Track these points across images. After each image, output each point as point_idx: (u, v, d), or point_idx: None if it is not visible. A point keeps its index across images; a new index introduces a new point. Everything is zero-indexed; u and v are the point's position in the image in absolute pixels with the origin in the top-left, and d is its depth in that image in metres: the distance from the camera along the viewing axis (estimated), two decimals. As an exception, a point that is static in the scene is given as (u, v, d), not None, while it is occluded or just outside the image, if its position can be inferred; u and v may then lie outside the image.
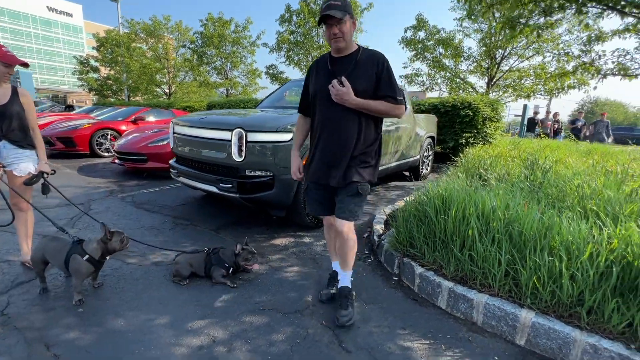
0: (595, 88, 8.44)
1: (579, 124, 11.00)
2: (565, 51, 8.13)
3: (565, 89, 9.05)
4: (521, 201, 2.06)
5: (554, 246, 1.72)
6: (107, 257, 1.85)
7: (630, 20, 4.42)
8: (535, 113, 11.71)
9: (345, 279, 1.81)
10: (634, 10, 3.83)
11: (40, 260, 1.78)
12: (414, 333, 1.63)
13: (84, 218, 3.04)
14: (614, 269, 1.50)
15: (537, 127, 11.17)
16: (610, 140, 10.77)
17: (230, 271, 2.02)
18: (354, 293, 1.82)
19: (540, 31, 4.73)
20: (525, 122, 11.44)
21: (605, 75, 5.42)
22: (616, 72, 5.21)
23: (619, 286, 1.51)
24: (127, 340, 1.49)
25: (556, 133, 11.14)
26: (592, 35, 5.54)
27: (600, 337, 1.42)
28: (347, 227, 1.66)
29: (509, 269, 1.75)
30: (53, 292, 1.87)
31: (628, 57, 5.14)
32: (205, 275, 2.05)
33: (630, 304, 1.45)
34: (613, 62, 5.31)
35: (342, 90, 1.50)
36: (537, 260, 1.65)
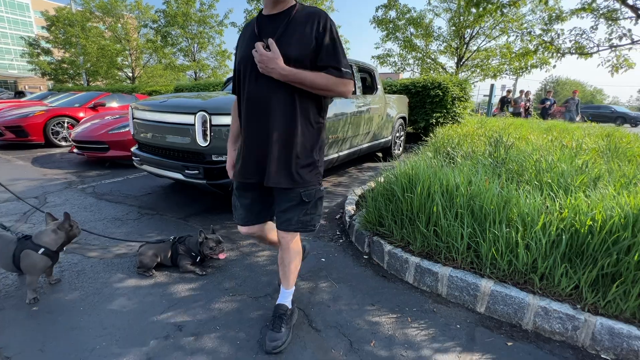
0: (554, 67, 8.81)
1: (548, 103, 11.18)
2: (528, 30, 8.38)
3: (529, 68, 9.40)
4: (483, 177, 2.13)
5: (512, 218, 1.81)
6: (64, 248, 1.75)
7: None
8: (509, 92, 11.76)
9: (284, 296, 1.50)
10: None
11: None
12: (382, 308, 1.68)
13: (39, 212, 2.84)
14: (564, 237, 1.60)
15: (509, 106, 11.34)
16: (578, 118, 11.06)
17: (197, 260, 1.97)
18: (293, 315, 1.53)
19: (503, 9, 4.82)
20: (494, 101, 11.83)
21: (563, 54, 5.66)
22: (573, 51, 5.45)
23: (567, 252, 1.62)
24: (86, 337, 1.43)
25: (528, 112, 11.36)
26: (553, 15, 5.72)
27: (550, 300, 1.52)
28: (290, 238, 1.38)
29: (470, 242, 1.83)
30: (3, 291, 1.74)
31: (585, 36, 5.38)
32: (172, 265, 1.99)
33: (577, 268, 1.56)
34: (570, 41, 5.55)
35: (267, 56, 1.14)
36: (496, 232, 1.73)
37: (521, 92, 11.74)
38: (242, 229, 1.47)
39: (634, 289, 1.41)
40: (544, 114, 11.04)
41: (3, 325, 1.49)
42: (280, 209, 1.35)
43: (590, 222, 1.60)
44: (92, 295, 1.73)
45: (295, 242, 1.42)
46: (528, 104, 11.45)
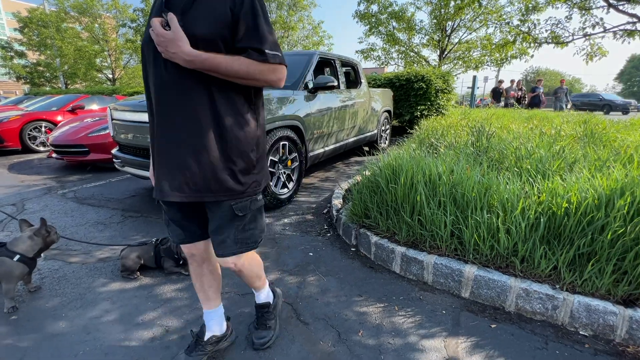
0: (532, 56, 8.96)
1: (539, 91, 10.86)
2: (507, 22, 8.54)
3: (509, 59, 9.58)
4: (464, 166, 2.17)
5: (493, 204, 1.85)
6: (42, 255, 1.70)
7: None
8: (500, 82, 11.42)
9: (260, 297, 1.40)
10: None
11: None
12: (370, 298, 1.70)
13: (17, 220, 2.75)
14: (542, 220, 1.65)
15: (502, 96, 11.11)
16: (569, 106, 10.98)
17: (180, 262, 1.94)
18: (277, 306, 1.46)
19: (481, 1, 4.89)
20: (476, 92, 12.00)
21: (540, 44, 5.80)
22: (550, 41, 5.58)
23: (545, 235, 1.67)
24: (69, 342, 1.39)
25: (519, 101, 11.13)
26: (530, 5, 5.85)
27: (531, 281, 1.57)
28: (234, 262, 1.14)
29: (453, 229, 1.86)
30: (-20, 302, 1.69)
31: (560, 25, 5.52)
32: (157, 267, 1.96)
33: (555, 250, 1.61)
34: (547, 31, 5.68)
35: (166, 37, 0.87)
36: (478, 218, 1.77)
37: (512, 81, 11.41)
38: (183, 248, 1.22)
39: (608, 266, 1.47)
40: (535, 103, 10.82)
41: (-20, 336, 1.44)
42: (212, 228, 1.09)
43: (566, 205, 1.65)
44: (74, 300, 1.69)
45: (244, 264, 1.17)
46: (520, 93, 11.19)
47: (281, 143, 2.94)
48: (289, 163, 3.12)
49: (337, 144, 4.08)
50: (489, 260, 1.73)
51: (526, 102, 11.22)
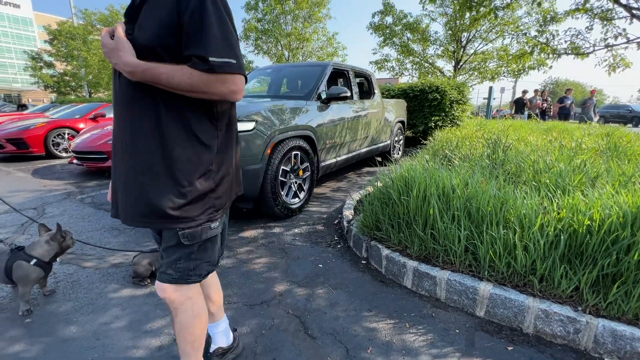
0: (550, 67, 8.67)
1: (568, 102, 10.13)
2: (524, 32, 8.42)
3: (526, 69, 9.42)
4: (480, 179, 2.12)
5: (509, 219, 1.78)
6: (57, 259, 1.74)
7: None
8: (524, 92, 10.67)
9: None
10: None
11: None
12: (380, 314, 1.65)
13: (37, 224, 2.84)
14: (562, 237, 1.57)
15: (526, 107, 10.39)
16: (597, 119, 10.28)
17: None
18: None
19: (497, 12, 4.85)
20: (493, 103, 11.79)
21: (559, 55, 5.68)
22: (569, 52, 5.46)
23: (566, 253, 1.59)
24: (79, 348, 1.41)
25: (544, 113, 10.46)
26: (548, 16, 5.75)
27: (550, 302, 1.49)
28: (171, 292, 0.99)
29: (468, 244, 1.80)
30: (-3, 304, 1.73)
31: (580, 36, 5.40)
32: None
33: (576, 269, 1.53)
34: (566, 42, 5.57)
35: (108, 47, 0.83)
36: (493, 234, 1.71)
37: (535, 91, 10.79)
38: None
39: (635, 289, 1.38)
40: (565, 114, 10.06)
41: (-5, 338, 1.47)
42: (162, 249, 1.00)
43: (588, 222, 1.57)
44: (86, 305, 1.71)
45: (183, 304, 1.01)
46: (545, 105, 10.47)
47: (293, 153, 2.95)
48: (301, 173, 3.12)
49: (350, 154, 4.06)
50: (505, 278, 1.66)
51: (551, 114, 10.57)
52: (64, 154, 6.52)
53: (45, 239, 1.67)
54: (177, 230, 0.93)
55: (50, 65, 20.36)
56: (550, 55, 5.90)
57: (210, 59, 0.80)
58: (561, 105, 10.24)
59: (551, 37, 5.72)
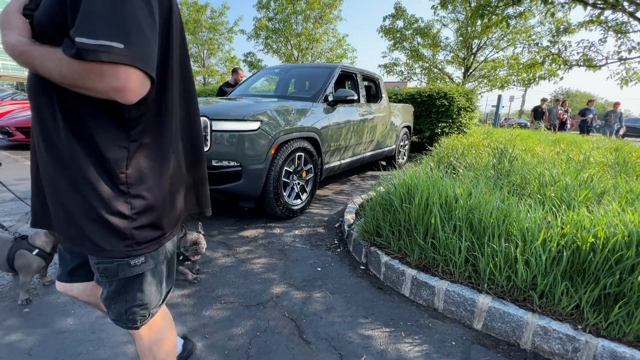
0: (561, 78, 8.40)
1: (590, 115, 9.34)
2: (535, 42, 8.34)
3: (537, 79, 9.33)
4: (484, 189, 2.09)
5: (512, 232, 1.76)
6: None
7: (594, 11, 4.57)
8: (543, 100, 9.93)
9: None
10: (598, 2, 3.94)
11: None
12: (376, 321, 1.64)
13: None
14: (565, 254, 1.55)
15: (544, 117, 9.70)
16: (622, 132, 9.55)
17: (182, 260, 1.90)
18: None
19: (509, 20, 4.81)
20: (501, 111, 11.68)
21: (571, 66, 5.61)
22: (581, 63, 5.40)
23: (568, 270, 1.57)
24: (74, 341, 1.42)
25: (563, 124, 9.82)
26: (561, 27, 5.70)
27: (550, 319, 1.47)
28: (138, 336, 0.89)
29: (468, 255, 1.78)
30: (-3, 292, 1.75)
31: (593, 48, 5.34)
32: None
33: (578, 287, 1.51)
34: (578, 53, 5.51)
35: None
36: (495, 246, 1.69)
37: (557, 101, 10.22)
38: (57, 285, 1.01)
39: (638, 310, 1.36)
40: (587, 127, 9.32)
41: (-7, 326, 1.49)
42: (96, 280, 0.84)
43: (592, 239, 1.55)
44: (84, 298, 1.72)
45: (140, 334, 0.88)
46: (565, 116, 9.79)
47: (297, 154, 2.95)
48: (304, 174, 3.12)
49: (354, 158, 4.05)
50: (504, 291, 1.64)
51: (568, 126, 10.01)
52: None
53: (45, 231, 1.69)
54: (94, 260, 0.77)
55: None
56: (562, 66, 5.84)
57: (77, 39, 0.56)
58: (583, 119, 9.51)
59: (563, 48, 5.67)
